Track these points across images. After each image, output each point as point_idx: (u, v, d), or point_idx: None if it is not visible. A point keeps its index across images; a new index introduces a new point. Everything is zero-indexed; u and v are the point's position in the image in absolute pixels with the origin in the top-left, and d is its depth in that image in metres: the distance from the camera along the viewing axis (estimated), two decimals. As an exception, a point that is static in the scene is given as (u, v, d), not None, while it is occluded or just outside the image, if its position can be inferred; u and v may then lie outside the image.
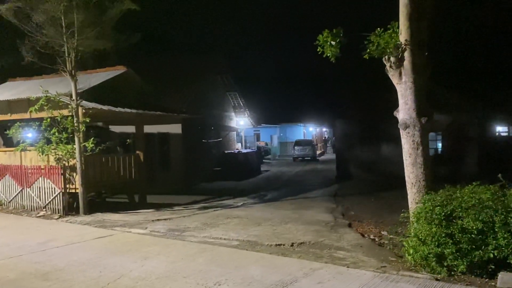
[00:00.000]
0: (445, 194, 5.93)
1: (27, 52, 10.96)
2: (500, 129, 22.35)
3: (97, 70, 13.50)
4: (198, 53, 25.22)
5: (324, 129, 50.79)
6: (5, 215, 11.33)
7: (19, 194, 12.07)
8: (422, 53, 6.57)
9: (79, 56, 11.07)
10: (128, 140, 13.44)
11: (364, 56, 6.86)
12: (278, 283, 5.39)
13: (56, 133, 11.18)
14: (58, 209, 11.04)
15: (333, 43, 6.86)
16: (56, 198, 11.13)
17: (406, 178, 6.73)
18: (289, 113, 39.80)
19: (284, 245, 7.45)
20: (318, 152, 37.65)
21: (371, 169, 19.31)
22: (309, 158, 33.66)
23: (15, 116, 12.48)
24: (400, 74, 6.65)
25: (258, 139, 39.66)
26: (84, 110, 11.01)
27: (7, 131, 12.18)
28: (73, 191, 11.20)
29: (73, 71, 10.99)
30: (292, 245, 7.42)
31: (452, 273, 5.46)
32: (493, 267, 5.27)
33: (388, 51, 6.61)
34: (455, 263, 5.40)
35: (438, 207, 5.63)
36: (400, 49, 6.53)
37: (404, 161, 6.75)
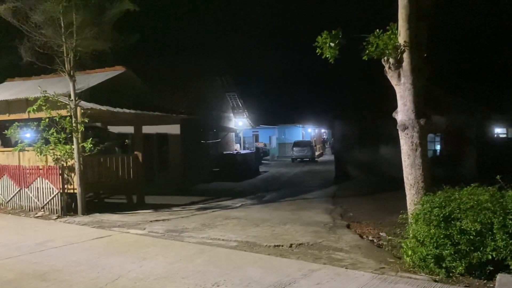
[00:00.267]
0: (444, 195, 5.93)
1: (26, 52, 10.95)
2: (499, 131, 22.42)
3: (95, 70, 13.45)
4: (197, 54, 25.14)
5: (323, 130, 50.76)
6: (3, 216, 11.30)
7: (17, 195, 12.05)
8: (421, 55, 6.58)
9: (78, 56, 11.08)
10: (126, 140, 13.43)
11: (363, 58, 6.85)
12: (277, 284, 5.38)
13: (55, 133, 11.17)
14: (56, 210, 11.03)
15: (332, 44, 6.86)
16: (54, 198, 11.12)
17: (405, 179, 6.74)
18: (287, 114, 39.79)
19: (282, 246, 7.45)
20: (316, 153, 37.64)
21: (370, 170, 19.34)
22: (307, 159, 33.61)
23: (13, 116, 12.48)
24: (399, 75, 6.66)
25: (256, 140, 39.67)
26: (82, 110, 11.02)
27: (5, 131, 12.16)
28: (71, 191, 11.18)
29: (71, 71, 10.99)
30: (290, 246, 7.42)
31: (451, 274, 5.47)
32: (491, 268, 5.28)
33: (387, 52, 6.61)
34: (453, 264, 5.42)
35: (437, 209, 5.64)
36: (399, 51, 6.55)
37: (403, 162, 6.76)
